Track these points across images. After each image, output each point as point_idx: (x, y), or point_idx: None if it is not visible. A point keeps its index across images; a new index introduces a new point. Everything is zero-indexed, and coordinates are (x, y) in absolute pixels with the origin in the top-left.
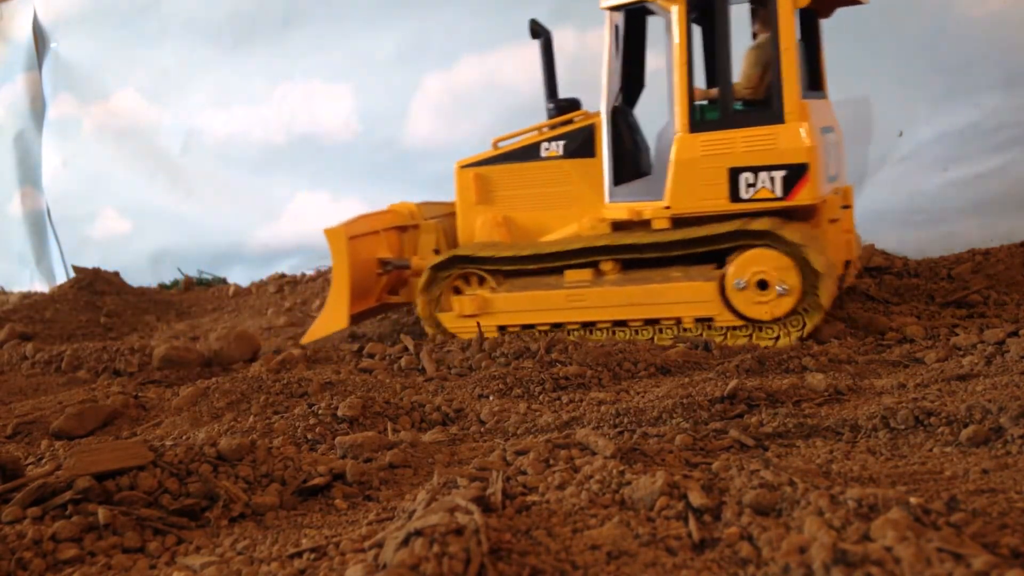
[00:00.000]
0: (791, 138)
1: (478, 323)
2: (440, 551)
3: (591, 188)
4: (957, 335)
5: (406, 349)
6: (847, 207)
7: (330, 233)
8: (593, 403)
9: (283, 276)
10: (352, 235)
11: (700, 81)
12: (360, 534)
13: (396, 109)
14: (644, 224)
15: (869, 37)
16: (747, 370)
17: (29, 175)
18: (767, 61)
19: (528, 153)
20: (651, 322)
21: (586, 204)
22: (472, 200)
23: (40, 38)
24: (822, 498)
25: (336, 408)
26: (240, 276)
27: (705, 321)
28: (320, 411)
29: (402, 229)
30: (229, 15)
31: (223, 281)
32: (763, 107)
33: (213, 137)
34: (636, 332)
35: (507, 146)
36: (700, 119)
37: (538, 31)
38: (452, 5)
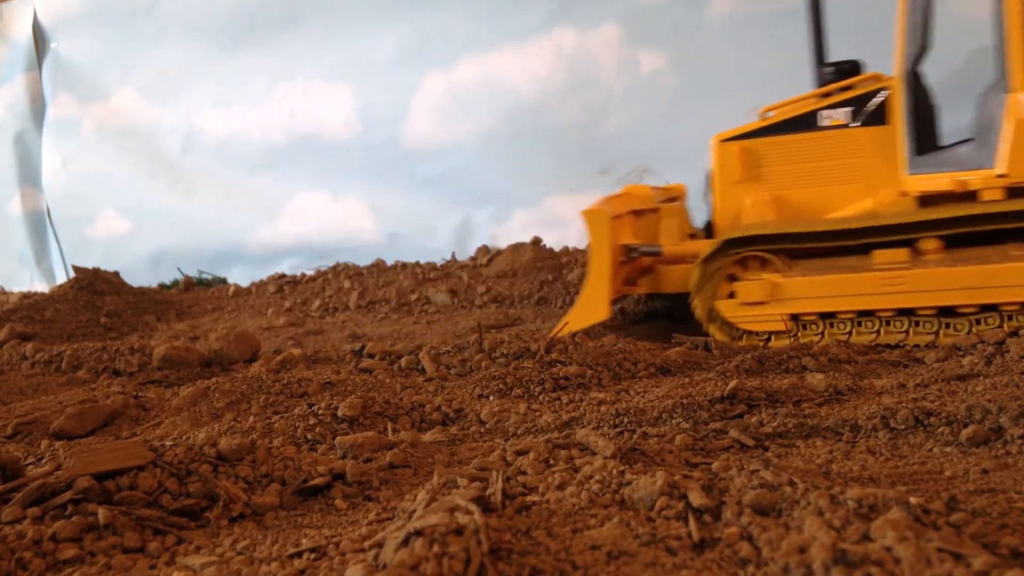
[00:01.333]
0: None
1: (788, 317)
2: (440, 551)
3: (884, 160)
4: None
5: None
6: None
7: (591, 214)
8: (593, 403)
9: (283, 276)
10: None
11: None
12: (360, 534)
13: (396, 109)
14: (967, 196)
15: (868, 37)
16: (747, 370)
17: (29, 175)
18: None
19: (804, 123)
20: (987, 308)
21: (878, 178)
22: (735, 177)
23: (40, 38)
24: (822, 498)
25: (336, 408)
26: (240, 276)
27: None
28: (320, 411)
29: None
30: (229, 15)
31: (223, 281)
32: None
33: (213, 137)
34: (978, 322)
35: (776, 116)
36: None
37: None
38: (452, 5)
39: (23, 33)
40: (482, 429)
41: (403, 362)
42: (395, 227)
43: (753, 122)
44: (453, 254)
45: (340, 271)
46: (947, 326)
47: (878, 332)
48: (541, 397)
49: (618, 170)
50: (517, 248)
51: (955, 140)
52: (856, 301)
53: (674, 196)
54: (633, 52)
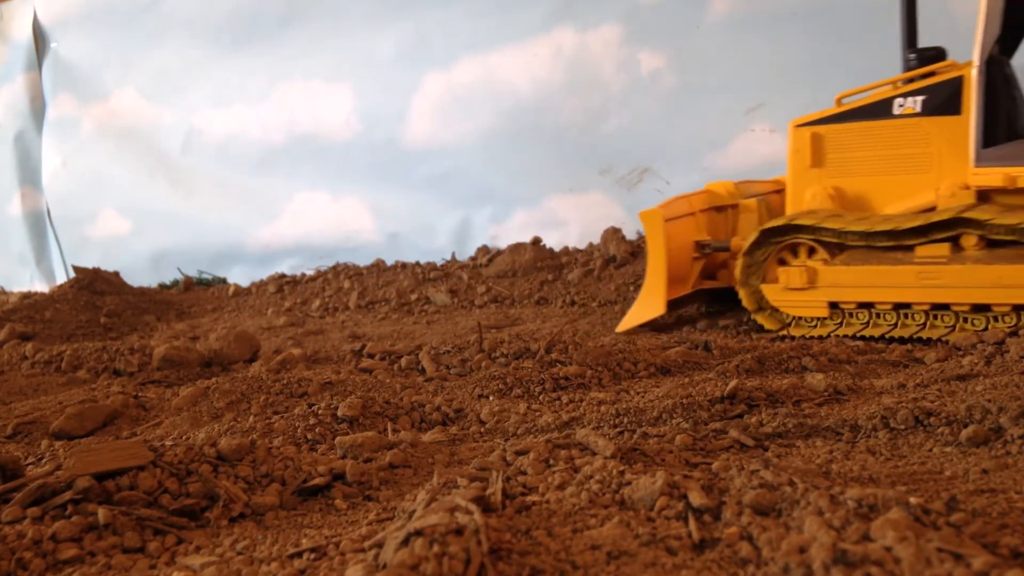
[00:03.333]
0: None
1: (827, 304)
2: (440, 551)
3: (953, 151)
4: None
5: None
6: None
7: (646, 215)
8: (593, 403)
9: (283, 276)
10: (668, 217)
11: None
12: (360, 534)
13: (396, 109)
14: (1019, 192)
15: (869, 36)
16: (747, 370)
17: (29, 175)
18: None
19: (878, 110)
20: (1021, 308)
21: (944, 169)
22: (807, 163)
23: (40, 38)
24: (822, 498)
25: (336, 408)
26: (240, 276)
27: None
28: (320, 411)
29: (719, 209)
30: (229, 15)
31: (223, 281)
32: None
33: (213, 137)
34: (998, 320)
35: (853, 102)
36: None
37: None
38: (452, 5)
39: (23, 33)
40: (482, 429)
41: (403, 362)
42: (395, 227)
43: (830, 108)
44: (453, 254)
45: (340, 271)
46: (995, 319)
47: (923, 325)
48: (541, 397)
49: (618, 170)
50: (517, 248)
51: None
52: (894, 293)
53: (780, 188)
54: (633, 52)
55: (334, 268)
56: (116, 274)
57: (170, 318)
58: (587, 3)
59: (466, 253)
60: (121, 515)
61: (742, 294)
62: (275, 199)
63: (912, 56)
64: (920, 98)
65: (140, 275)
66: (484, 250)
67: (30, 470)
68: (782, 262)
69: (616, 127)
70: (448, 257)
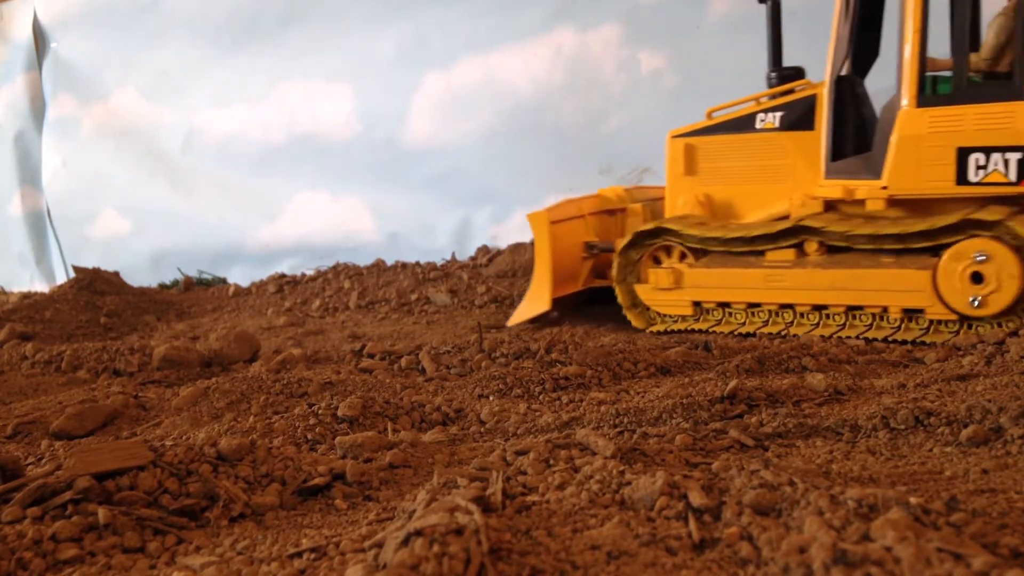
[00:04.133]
0: None
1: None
2: (440, 551)
3: (807, 164)
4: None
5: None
6: None
7: (532, 217)
8: (593, 403)
9: (283, 276)
10: (555, 219)
11: (942, 51)
12: (360, 534)
13: (396, 109)
14: (858, 204)
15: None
16: (747, 370)
17: (29, 175)
18: (1011, 30)
19: (743, 124)
20: (855, 309)
21: (800, 180)
22: (680, 172)
23: (40, 38)
24: (822, 498)
25: (336, 408)
26: (240, 276)
27: (914, 313)
28: (320, 411)
29: (610, 213)
30: (229, 15)
31: (223, 281)
32: (1003, 82)
33: (213, 137)
34: (829, 317)
35: (721, 116)
36: (931, 92)
37: None
38: (452, 5)
39: (23, 33)
40: (482, 429)
41: (403, 362)
42: (395, 227)
43: (701, 121)
44: (453, 254)
45: (340, 271)
46: (826, 316)
47: (766, 323)
48: (541, 397)
49: (618, 170)
50: (517, 248)
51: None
52: (746, 294)
53: (663, 198)
54: (633, 52)
55: (334, 268)
56: (116, 274)
57: (170, 318)
58: (587, 3)
59: (466, 253)
60: (121, 515)
61: (618, 291)
62: (275, 199)
63: (773, 74)
64: (779, 114)
65: (140, 275)
66: (484, 250)
67: (30, 470)
68: (656, 262)
69: (616, 127)
70: (448, 257)
